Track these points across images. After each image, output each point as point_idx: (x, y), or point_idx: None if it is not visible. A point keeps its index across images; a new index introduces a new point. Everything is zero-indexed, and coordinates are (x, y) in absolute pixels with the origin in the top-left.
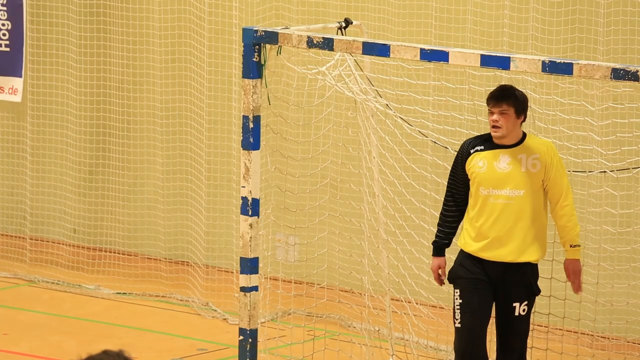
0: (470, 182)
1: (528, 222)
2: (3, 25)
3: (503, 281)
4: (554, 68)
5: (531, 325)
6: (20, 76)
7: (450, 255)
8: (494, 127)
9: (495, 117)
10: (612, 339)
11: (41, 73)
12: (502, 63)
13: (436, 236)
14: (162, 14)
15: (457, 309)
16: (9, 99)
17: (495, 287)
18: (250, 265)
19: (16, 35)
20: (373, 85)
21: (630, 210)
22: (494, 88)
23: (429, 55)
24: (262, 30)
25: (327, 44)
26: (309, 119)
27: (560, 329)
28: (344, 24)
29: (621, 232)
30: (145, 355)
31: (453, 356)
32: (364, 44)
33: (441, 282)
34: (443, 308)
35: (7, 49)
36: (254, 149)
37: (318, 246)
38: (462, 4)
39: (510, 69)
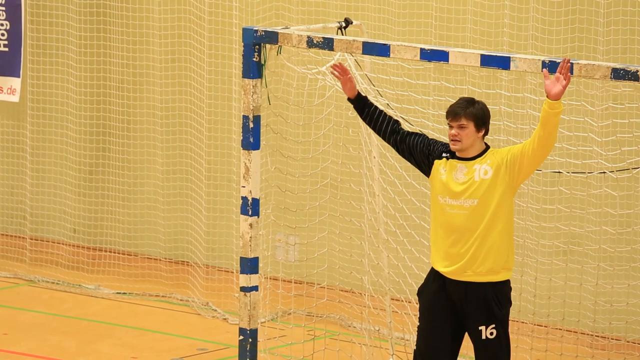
0: (431, 188)
1: (485, 233)
2: (1, 25)
3: (465, 303)
4: (554, 68)
5: (531, 326)
6: (19, 76)
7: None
8: (452, 140)
9: (454, 131)
10: (612, 339)
11: (41, 73)
12: (502, 63)
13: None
14: (162, 14)
15: (416, 330)
16: (7, 99)
17: (457, 308)
18: (250, 265)
19: (14, 35)
20: (374, 85)
21: (630, 210)
22: (454, 101)
23: (429, 55)
24: (262, 30)
25: (327, 44)
26: (309, 119)
27: (559, 329)
28: (344, 24)
29: (621, 233)
30: (145, 355)
31: None
32: (364, 44)
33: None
34: None
35: (6, 49)
36: (254, 149)
37: (318, 246)
38: (462, 4)
39: (510, 69)
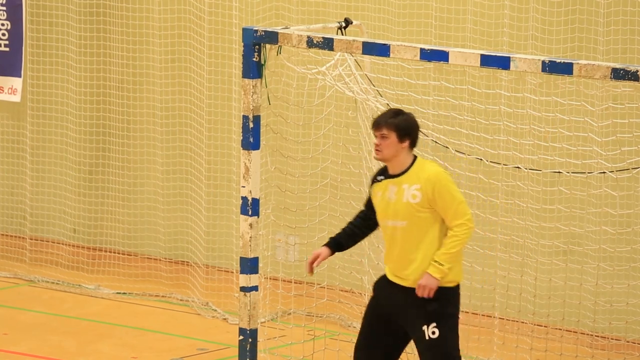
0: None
1: (418, 251)
2: (2, 25)
3: (408, 306)
4: (554, 68)
5: (531, 326)
6: (20, 76)
7: None
8: (375, 150)
9: (376, 140)
10: (612, 339)
11: (41, 73)
12: (502, 63)
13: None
14: (162, 14)
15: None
16: (8, 99)
17: (401, 313)
18: (250, 265)
19: (15, 35)
20: (374, 85)
21: (630, 210)
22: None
23: (429, 55)
24: (262, 30)
25: (327, 44)
26: (309, 119)
27: (559, 329)
28: (344, 24)
29: (621, 233)
30: (145, 355)
31: None
32: (364, 44)
33: (310, 270)
34: None
35: (7, 49)
36: (254, 149)
37: (318, 246)
38: (462, 4)
39: (510, 69)
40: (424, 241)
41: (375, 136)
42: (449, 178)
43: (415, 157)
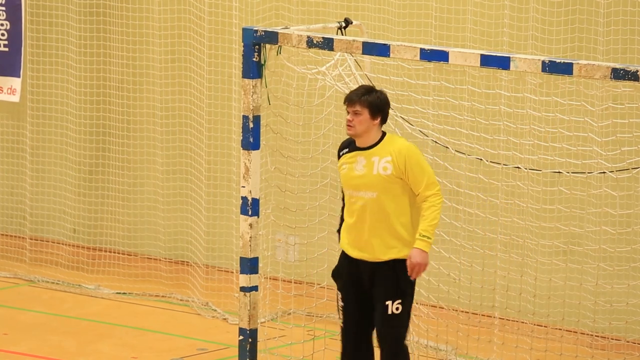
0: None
1: (388, 222)
2: (2, 25)
3: (374, 279)
4: (554, 68)
5: (531, 326)
6: (19, 76)
7: None
8: (347, 126)
9: (349, 116)
10: (612, 339)
11: (41, 73)
12: (502, 63)
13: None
14: (162, 14)
15: (340, 310)
16: (8, 99)
17: (369, 285)
18: (250, 265)
19: (15, 35)
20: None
21: (630, 210)
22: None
23: (429, 55)
24: (262, 30)
25: (327, 44)
26: (309, 119)
27: (559, 329)
28: (344, 24)
29: (621, 233)
30: (145, 355)
31: (453, 356)
32: (364, 44)
33: None
34: (443, 308)
35: (6, 49)
36: (254, 149)
37: (318, 246)
38: (462, 4)
39: (510, 68)
40: (400, 212)
41: (348, 112)
42: (419, 151)
43: (384, 133)
